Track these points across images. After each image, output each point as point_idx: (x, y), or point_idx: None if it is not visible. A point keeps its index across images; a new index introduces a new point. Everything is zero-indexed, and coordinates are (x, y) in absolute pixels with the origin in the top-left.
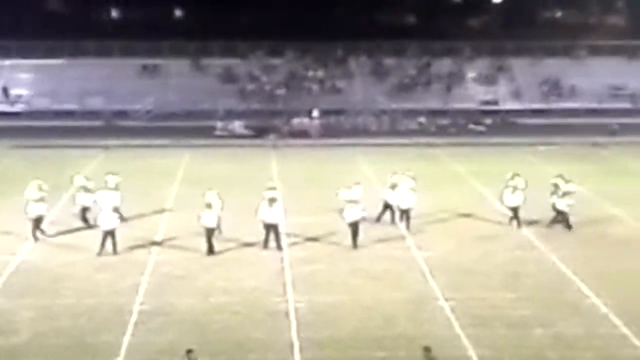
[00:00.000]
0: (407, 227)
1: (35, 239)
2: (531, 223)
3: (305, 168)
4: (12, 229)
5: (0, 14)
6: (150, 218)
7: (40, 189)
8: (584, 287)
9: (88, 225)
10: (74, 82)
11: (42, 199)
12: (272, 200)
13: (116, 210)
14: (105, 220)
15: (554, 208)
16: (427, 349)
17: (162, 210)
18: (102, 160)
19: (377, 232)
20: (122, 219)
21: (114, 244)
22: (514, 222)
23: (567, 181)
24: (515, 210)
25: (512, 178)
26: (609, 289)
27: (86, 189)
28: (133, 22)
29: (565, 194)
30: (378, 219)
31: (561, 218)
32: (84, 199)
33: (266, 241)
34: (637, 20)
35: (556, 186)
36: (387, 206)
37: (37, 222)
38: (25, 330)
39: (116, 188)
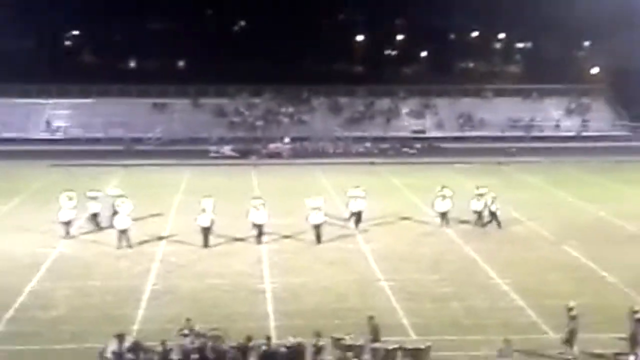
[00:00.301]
0: (357, 226)
1: (68, 236)
2: (462, 222)
3: (279, 181)
4: (52, 228)
5: (45, 64)
6: (158, 219)
7: (70, 198)
8: (490, 271)
9: (99, 227)
10: (101, 116)
11: (72, 207)
12: (257, 207)
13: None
14: (120, 222)
15: (476, 211)
16: (371, 318)
17: (160, 214)
18: (122, 176)
19: (335, 230)
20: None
21: (128, 240)
22: (444, 222)
23: (488, 191)
24: (444, 214)
25: (442, 189)
26: (509, 273)
27: (95, 199)
28: (146, 70)
29: (493, 200)
30: (349, 219)
31: (493, 218)
32: (94, 207)
33: (257, 236)
34: (530, 69)
35: (482, 195)
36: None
37: (68, 224)
38: (63, 305)
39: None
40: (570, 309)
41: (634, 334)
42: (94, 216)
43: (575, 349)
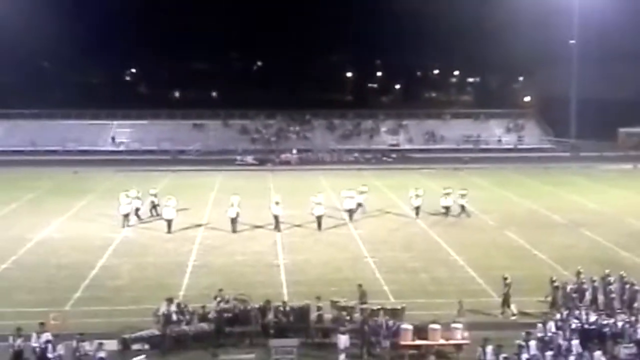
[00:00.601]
0: (351, 219)
1: (124, 225)
2: (433, 214)
3: (289, 183)
4: (117, 219)
5: (111, 94)
6: (198, 211)
7: (127, 196)
8: (450, 250)
9: (140, 219)
10: (153, 134)
11: (129, 203)
12: (277, 203)
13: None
14: (168, 213)
15: (445, 206)
16: (360, 285)
17: (187, 209)
18: (170, 179)
19: (332, 220)
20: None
21: (170, 227)
22: (416, 215)
23: (449, 189)
24: (417, 208)
25: (415, 190)
26: (464, 251)
27: (137, 197)
28: (188, 99)
29: (462, 195)
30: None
31: (462, 210)
32: (136, 203)
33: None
34: (478, 98)
35: (448, 194)
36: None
37: (126, 216)
38: (126, 276)
39: (156, 195)
40: (505, 278)
41: (554, 297)
42: (137, 210)
43: (513, 307)
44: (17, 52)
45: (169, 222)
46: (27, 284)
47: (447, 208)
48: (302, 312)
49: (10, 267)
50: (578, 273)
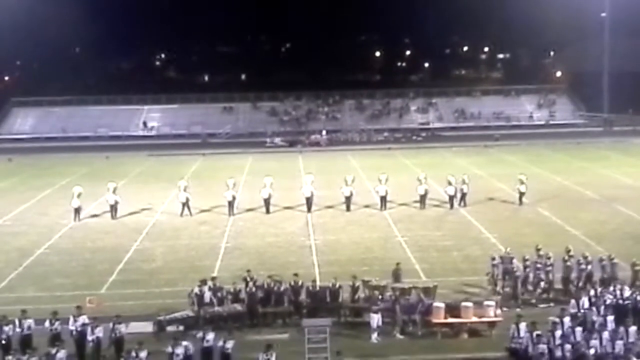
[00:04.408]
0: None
1: (75, 219)
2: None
3: (319, 164)
4: (151, 202)
5: (141, 80)
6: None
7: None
8: (482, 228)
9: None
10: (184, 118)
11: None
12: (309, 183)
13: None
14: (229, 194)
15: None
16: (398, 264)
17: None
18: (201, 162)
19: (362, 201)
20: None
21: (77, 215)
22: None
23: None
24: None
25: (464, 181)
26: (496, 228)
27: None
28: (217, 82)
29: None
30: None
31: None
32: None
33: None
34: (508, 74)
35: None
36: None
37: (77, 210)
38: (159, 259)
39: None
40: (635, 264)
41: (493, 275)
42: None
43: None
44: (48, 40)
45: (76, 210)
46: (63, 268)
47: (522, 194)
48: (333, 291)
49: (46, 251)
50: (538, 250)
